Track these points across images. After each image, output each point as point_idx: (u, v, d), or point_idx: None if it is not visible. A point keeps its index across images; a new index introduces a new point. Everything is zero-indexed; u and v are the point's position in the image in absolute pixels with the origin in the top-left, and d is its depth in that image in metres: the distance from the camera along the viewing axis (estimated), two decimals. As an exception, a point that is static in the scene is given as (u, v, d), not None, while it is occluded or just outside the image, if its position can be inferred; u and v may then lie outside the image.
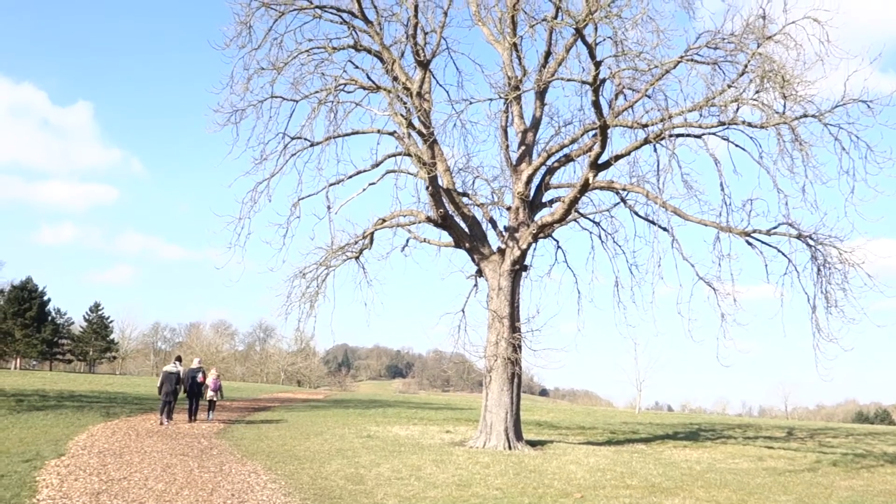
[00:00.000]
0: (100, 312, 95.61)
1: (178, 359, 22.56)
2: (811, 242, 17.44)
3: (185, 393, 22.28)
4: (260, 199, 19.22)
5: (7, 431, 17.17)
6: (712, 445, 22.06)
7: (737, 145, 17.77)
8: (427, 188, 18.67)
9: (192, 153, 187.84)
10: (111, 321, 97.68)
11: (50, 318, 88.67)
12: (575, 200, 18.67)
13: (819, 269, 17.49)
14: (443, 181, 19.06)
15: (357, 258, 20.57)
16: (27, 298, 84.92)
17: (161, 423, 20.80)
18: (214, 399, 23.89)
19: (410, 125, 18.08)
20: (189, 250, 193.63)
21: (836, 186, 16.07)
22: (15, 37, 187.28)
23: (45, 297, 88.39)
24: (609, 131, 17.07)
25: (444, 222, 19.50)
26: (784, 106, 15.50)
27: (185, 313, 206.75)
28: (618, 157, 18.14)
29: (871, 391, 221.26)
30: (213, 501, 10.35)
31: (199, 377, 22.72)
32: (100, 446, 15.24)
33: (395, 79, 18.60)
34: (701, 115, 17.26)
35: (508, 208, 20.57)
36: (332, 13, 18.57)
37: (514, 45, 19.68)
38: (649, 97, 17.72)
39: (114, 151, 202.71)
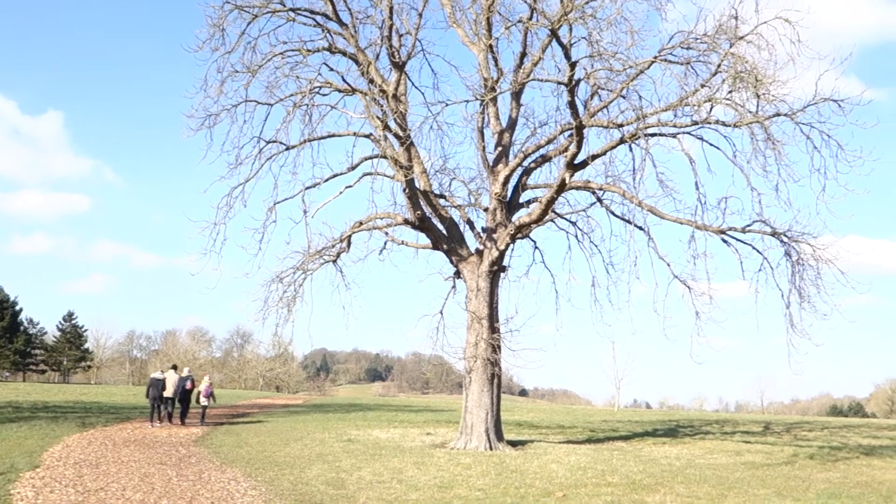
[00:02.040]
0: (73, 322, 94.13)
1: (174, 367, 24.34)
2: (785, 239, 17.69)
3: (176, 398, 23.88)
4: (235, 204, 19.16)
5: (-21, 444, 16.80)
6: (691, 441, 22.27)
7: (711, 144, 17.97)
8: (404, 190, 18.62)
9: (165, 160, 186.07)
10: (85, 330, 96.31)
11: (22, 328, 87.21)
12: (552, 201, 18.74)
13: (793, 266, 17.75)
14: (420, 183, 19.03)
15: (335, 262, 20.49)
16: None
17: (151, 426, 22.29)
18: (207, 405, 24.79)
19: (386, 127, 18.04)
20: (164, 257, 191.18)
21: (809, 184, 16.33)
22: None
23: (18, 308, 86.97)
24: (585, 131, 17.17)
25: (422, 224, 19.47)
26: (757, 105, 15.68)
27: (160, 321, 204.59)
28: (594, 157, 18.24)
29: (845, 385, 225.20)
30: (193, 510, 10.21)
31: (188, 384, 23.96)
32: (76, 457, 14.97)
33: (371, 81, 18.55)
34: (675, 115, 17.43)
35: (486, 209, 20.57)
36: (305, 16, 18.47)
37: (490, 46, 19.70)
38: (624, 97, 17.83)
39: (85, 160, 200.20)
